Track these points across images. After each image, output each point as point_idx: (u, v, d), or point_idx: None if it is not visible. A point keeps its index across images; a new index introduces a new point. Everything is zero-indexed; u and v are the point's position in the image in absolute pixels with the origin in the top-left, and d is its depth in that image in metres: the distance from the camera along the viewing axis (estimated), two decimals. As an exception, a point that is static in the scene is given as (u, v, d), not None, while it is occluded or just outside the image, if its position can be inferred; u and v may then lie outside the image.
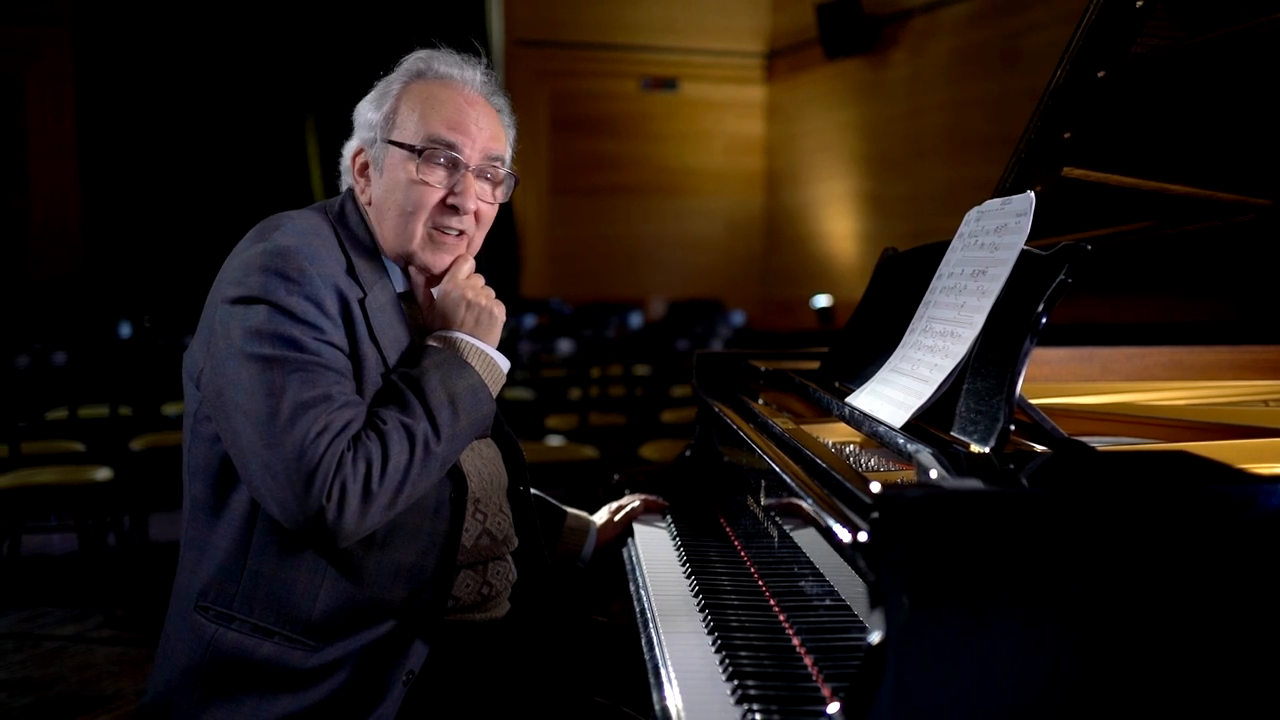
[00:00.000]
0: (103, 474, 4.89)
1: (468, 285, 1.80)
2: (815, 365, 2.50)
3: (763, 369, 2.47)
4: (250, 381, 1.55)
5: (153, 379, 6.25)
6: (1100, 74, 1.97)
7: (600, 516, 2.35)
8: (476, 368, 1.73)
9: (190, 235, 11.03)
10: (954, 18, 10.10)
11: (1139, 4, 1.87)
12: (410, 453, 1.59)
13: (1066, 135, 2.07)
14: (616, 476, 2.64)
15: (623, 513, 2.35)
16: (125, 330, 7.87)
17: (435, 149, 1.77)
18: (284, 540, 1.62)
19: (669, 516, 2.36)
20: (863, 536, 1.13)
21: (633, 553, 2.16)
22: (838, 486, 1.32)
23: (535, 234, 12.68)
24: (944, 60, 10.18)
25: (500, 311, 1.82)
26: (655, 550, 2.13)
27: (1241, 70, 2.26)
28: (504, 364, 1.80)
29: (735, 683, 1.39)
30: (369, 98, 1.83)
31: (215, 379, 1.60)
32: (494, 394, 1.76)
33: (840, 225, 11.83)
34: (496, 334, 1.81)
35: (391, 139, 1.77)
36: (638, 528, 2.30)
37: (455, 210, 1.79)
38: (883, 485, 1.10)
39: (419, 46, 1.87)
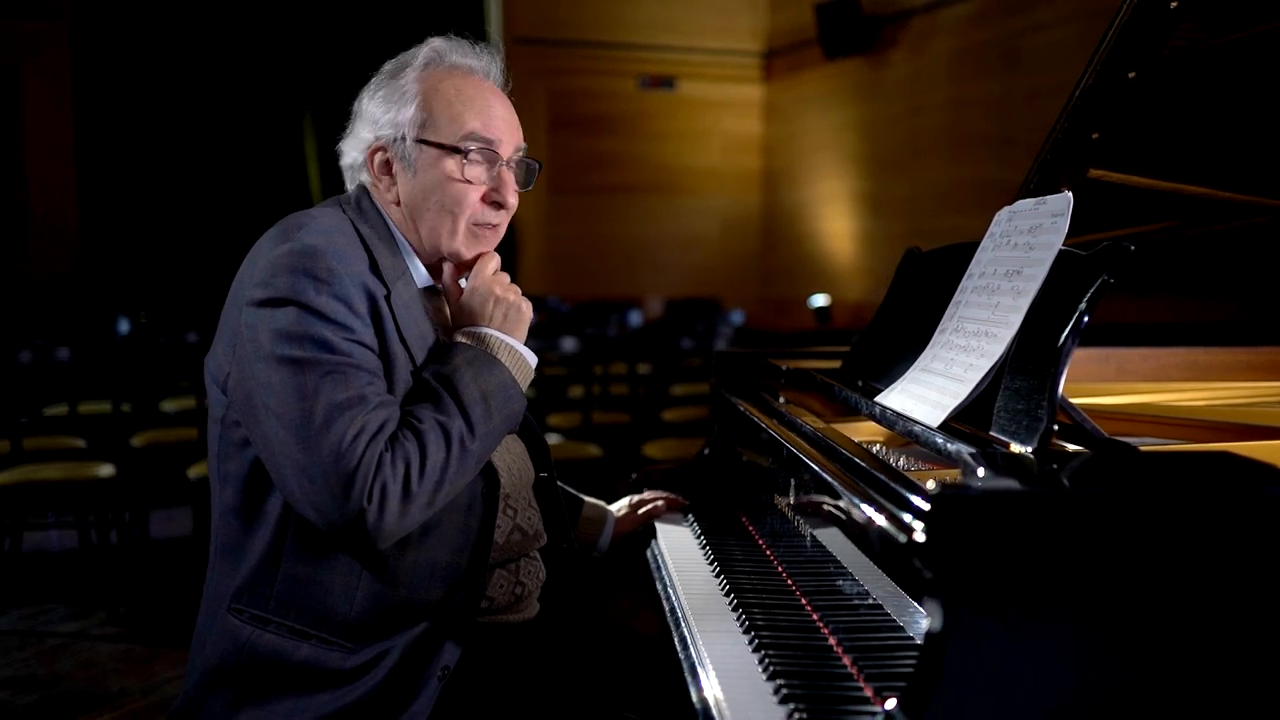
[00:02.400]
0: (105, 470, 4.87)
1: (495, 280, 1.79)
2: (831, 364, 2.50)
3: (784, 368, 2.47)
4: (282, 385, 1.54)
5: (152, 375, 6.23)
6: (1131, 75, 1.96)
7: (618, 507, 2.35)
8: (506, 363, 1.72)
9: (187, 232, 11.03)
10: (954, 18, 10.12)
11: (1174, 4, 1.87)
12: (447, 451, 1.58)
13: (1095, 136, 2.07)
14: (634, 475, 2.64)
15: (644, 509, 2.35)
16: (124, 326, 7.84)
17: (476, 147, 1.75)
18: (319, 543, 1.61)
19: (690, 515, 2.35)
20: (919, 535, 1.13)
21: (657, 552, 2.16)
22: (885, 485, 1.31)
23: (533, 232, 12.67)
24: (943, 60, 10.19)
25: (527, 308, 1.81)
26: (680, 549, 2.12)
27: (1258, 72, 2.26)
28: (532, 359, 1.78)
29: (778, 681, 1.38)
30: (379, 92, 1.78)
31: (243, 383, 1.58)
32: (523, 390, 1.75)
33: (838, 225, 11.84)
34: (524, 329, 1.79)
35: (425, 138, 1.74)
36: (660, 526, 2.29)
37: (499, 206, 1.79)
38: (938, 484, 1.09)
39: (428, 37, 1.84)
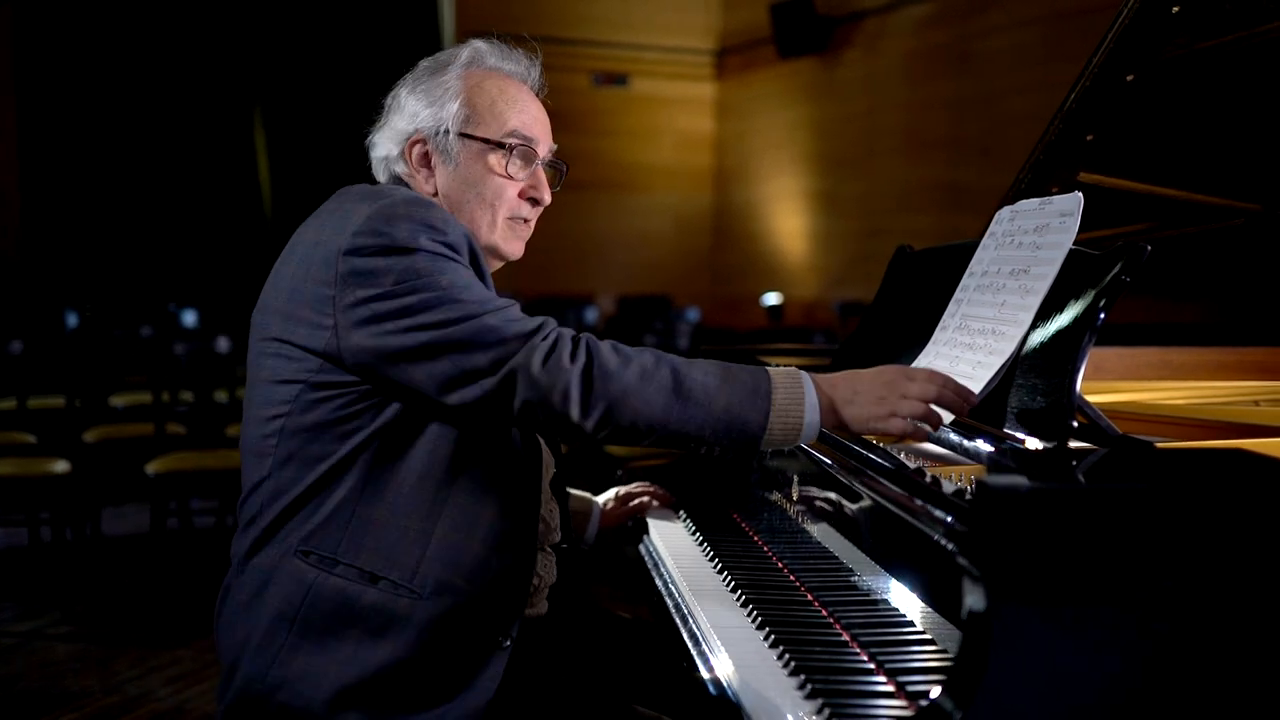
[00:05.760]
0: (60, 466, 4.79)
1: (929, 384, 1.56)
2: (819, 362, 2.51)
3: (773, 364, 2.47)
4: (425, 306, 1.55)
5: (103, 370, 6.12)
6: (1129, 77, 2.00)
7: (604, 499, 2.35)
8: (774, 416, 1.55)
9: (134, 225, 10.81)
10: (908, 20, 10.21)
11: (1175, 9, 1.91)
12: (628, 367, 1.55)
13: (1089, 138, 2.11)
14: (620, 472, 2.63)
15: (633, 502, 2.35)
16: (71, 320, 7.71)
17: (518, 144, 1.80)
18: (396, 488, 1.61)
19: (683, 512, 2.35)
20: (962, 531, 1.14)
21: (652, 549, 2.15)
22: (916, 483, 1.32)
23: (484, 227, 12.58)
24: (897, 62, 10.29)
25: (894, 425, 1.55)
26: (677, 546, 2.12)
27: (1236, 77, 2.31)
28: (803, 438, 1.58)
29: (802, 677, 1.39)
30: (419, 87, 1.81)
31: (370, 336, 1.56)
32: (755, 445, 1.58)
33: (790, 223, 11.91)
34: (860, 421, 1.56)
35: (469, 133, 1.78)
36: (652, 523, 2.29)
37: (535, 202, 1.85)
38: (982, 480, 1.11)
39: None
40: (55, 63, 10.66)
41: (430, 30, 11.51)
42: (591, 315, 10.28)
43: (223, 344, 5.31)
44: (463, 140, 1.78)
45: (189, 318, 8.64)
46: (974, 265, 1.87)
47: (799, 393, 1.56)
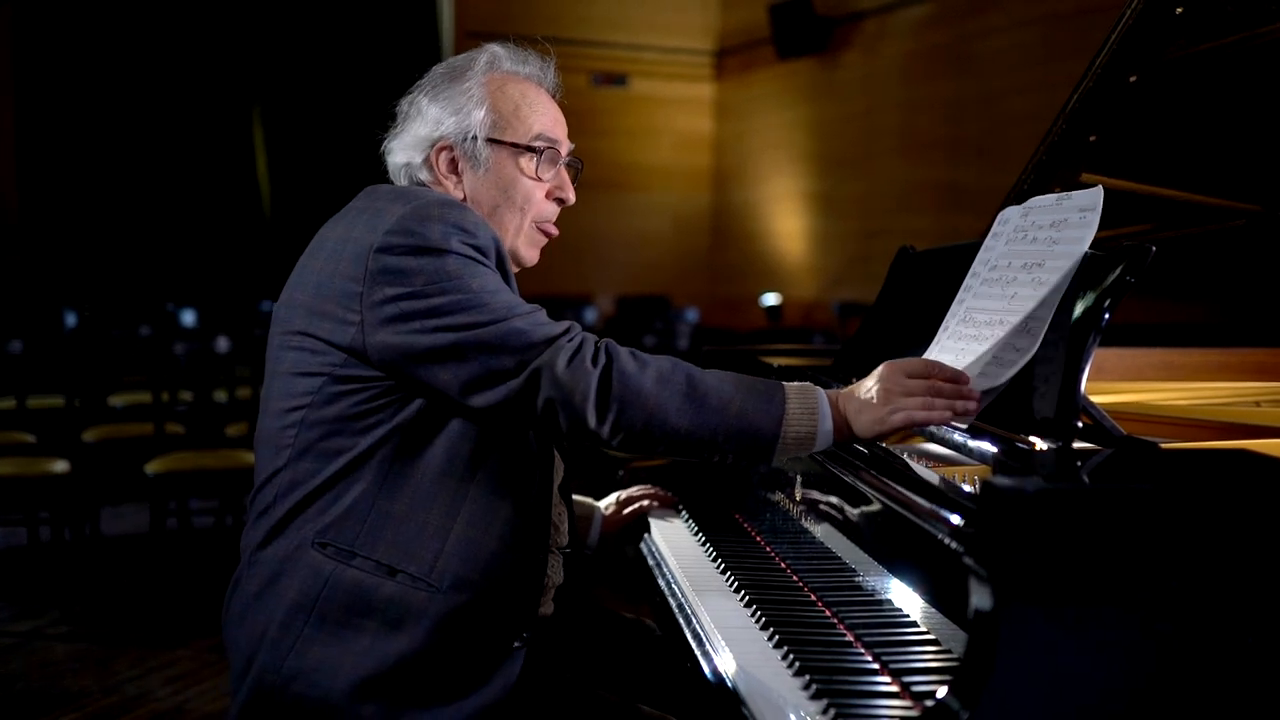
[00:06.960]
0: (60, 466, 4.78)
1: (932, 369, 1.60)
2: (820, 362, 2.52)
3: (775, 365, 2.48)
4: (456, 307, 1.58)
5: (102, 369, 6.12)
6: (1133, 78, 2.00)
7: (605, 504, 2.35)
8: (788, 423, 1.57)
9: (132, 224, 10.80)
10: (907, 20, 10.21)
11: (1179, 10, 1.91)
12: (645, 371, 1.58)
13: (1092, 139, 2.11)
14: (621, 473, 2.63)
15: (633, 506, 2.35)
16: (70, 319, 7.70)
17: (544, 147, 1.81)
18: (416, 483, 1.63)
19: (684, 512, 2.35)
20: (970, 532, 1.14)
21: (653, 549, 2.15)
22: (926, 484, 1.32)
23: (482, 228, 12.56)
24: (896, 62, 10.28)
25: (898, 419, 1.55)
26: (679, 547, 2.12)
27: (1238, 78, 2.31)
28: (817, 445, 1.60)
29: (807, 677, 1.39)
30: (441, 94, 1.81)
31: (397, 334, 1.59)
32: (765, 456, 1.61)
33: (789, 224, 11.91)
34: (869, 427, 1.57)
35: (497, 138, 1.79)
36: (653, 523, 2.29)
37: (560, 203, 1.86)
38: (990, 481, 1.11)
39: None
40: (54, 62, 10.65)
41: (429, 30, 11.51)
42: (590, 315, 10.28)
43: (222, 344, 5.31)
44: (491, 146, 1.79)
45: (188, 317, 8.62)
46: (979, 266, 1.85)
47: (812, 401, 1.59)
